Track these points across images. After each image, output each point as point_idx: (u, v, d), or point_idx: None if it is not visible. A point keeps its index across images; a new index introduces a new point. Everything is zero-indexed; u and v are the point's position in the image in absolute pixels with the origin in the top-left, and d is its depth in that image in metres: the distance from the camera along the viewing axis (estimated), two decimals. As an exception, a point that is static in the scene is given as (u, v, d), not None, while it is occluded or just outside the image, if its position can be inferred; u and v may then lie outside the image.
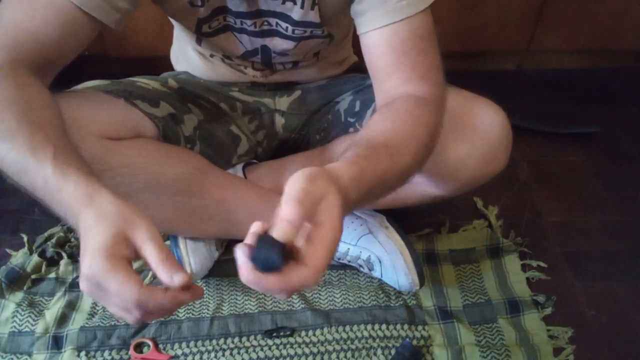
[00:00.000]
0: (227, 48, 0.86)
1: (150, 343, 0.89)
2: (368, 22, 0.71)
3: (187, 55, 0.97)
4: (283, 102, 0.98)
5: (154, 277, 0.99)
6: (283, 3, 0.76)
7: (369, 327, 0.92)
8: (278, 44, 0.84)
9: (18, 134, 0.55)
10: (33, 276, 0.98)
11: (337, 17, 0.81)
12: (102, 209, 0.51)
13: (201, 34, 0.83)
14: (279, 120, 1.00)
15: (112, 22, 0.68)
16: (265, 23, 0.80)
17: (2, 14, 0.64)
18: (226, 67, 0.94)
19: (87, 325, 0.91)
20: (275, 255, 0.45)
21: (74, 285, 0.98)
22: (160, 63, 1.09)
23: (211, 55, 0.92)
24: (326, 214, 0.48)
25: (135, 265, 1.00)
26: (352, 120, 0.92)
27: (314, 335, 0.91)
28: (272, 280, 0.46)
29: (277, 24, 0.80)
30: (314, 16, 0.78)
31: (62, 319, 0.92)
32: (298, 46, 0.84)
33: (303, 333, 0.92)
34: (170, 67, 1.05)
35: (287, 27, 0.80)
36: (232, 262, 1.06)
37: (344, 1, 0.74)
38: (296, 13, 0.77)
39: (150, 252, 0.49)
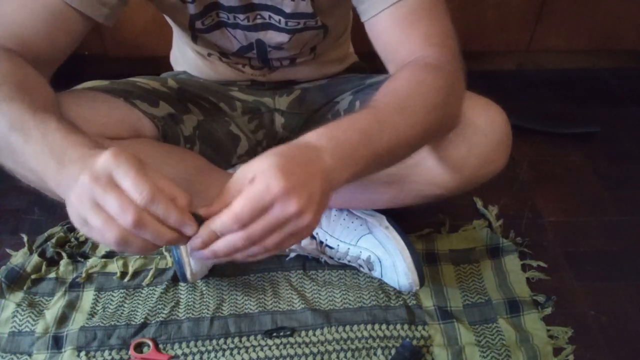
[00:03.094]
0: (222, 44, 0.86)
1: (150, 343, 0.89)
2: (371, 7, 0.71)
3: (186, 56, 0.97)
4: (283, 102, 0.98)
5: (153, 277, 0.99)
6: None
7: (369, 327, 0.92)
8: (272, 37, 0.84)
9: (15, 98, 0.56)
10: (33, 276, 0.98)
11: (332, 7, 0.80)
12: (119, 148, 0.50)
13: (195, 30, 0.83)
14: (279, 120, 1.00)
15: (101, 17, 0.67)
16: (259, 17, 0.80)
17: None
18: (225, 65, 0.94)
19: (87, 325, 0.91)
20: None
21: (74, 285, 0.98)
22: (160, 63, 1.09)
23: (209, 55, 0.92)
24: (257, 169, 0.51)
25: (136, 264, 1.00)
26: None
27: (314, 335, 0.91)
28: (197, 238, 0.51)
29: (270, 17, 0.80)
30: (305, 7, 0.78)
31: (62, 319, 0.92)
32: (293, 39, 0.84)
33: (303, 333, 0.92)
34: (170, 67, 1.05)
35: (280, 20, 0.80)
36: (232, 262, 1.06)
37: None
38: (287, 5, 0.77)
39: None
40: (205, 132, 0.90)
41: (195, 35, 0.86)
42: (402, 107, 0.62)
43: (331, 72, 1.00)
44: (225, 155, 0.95)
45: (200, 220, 0.51)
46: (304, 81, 0.99)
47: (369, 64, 1.07)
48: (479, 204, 1.15)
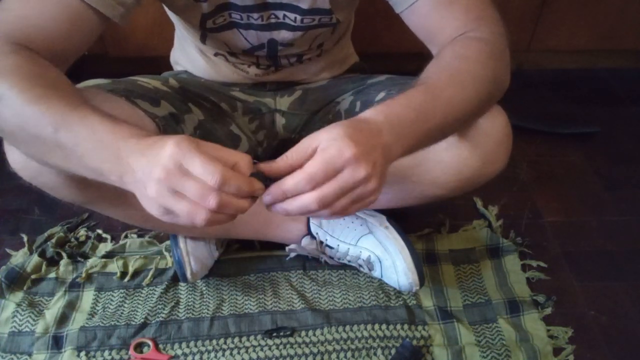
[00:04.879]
0: (233, 44, 0.86)
1: (150, 343, 0.89)
2: None
3: (189, 56, 0.97)
4: (284, 102, 0.98)
5: (153, 277, 0.99)
6: None
7: (369, 327, 0.92)
8: (285, 36, 0.84)
9: (52, 97, 0.57)
10: (33, 276, 0.98)
11: (349, 2, 0.81)
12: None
13: (205, 29, 0.83)
14: (280, 120, 1.00)
15: (117, 16, 0.68)
16: (272, 16, 0.80)
17: (10, 7, 0.64)
18: (229, 67, 0.93)
19: (87, 325, 0.91)
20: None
21: (74, 285, 0.98)
22: (160, 63, 1.09)
23: (215, 55, 0.92)
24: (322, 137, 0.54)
25: (136, 264, 1.00)
26: None
27: (314, 335, 0.91)
28: (271, 193, 0.54)
29: (284, 16, 0.80)
30: (322, 2, 0.78)
31: (62, 319, 0.92)
32: (305, 36, 0.84)
33: (303, 333, 0.92)
34: (170, 67, 1.05)
35: (295, 18, 0.80)
36: (232, 261, 1.07)
37: None
38: (305, 2, 0.77)
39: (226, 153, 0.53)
40: (206, 132, 0.90)
41: (204, 35, 0.86)
42: (454, 82, 0.64)
43: (334, 73, 1.00)
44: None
45: (263, 177, 0.55)
46: (306, 82, 0.99)
47: (369, 64, 1.07)
48: (479, 204, 1.15)
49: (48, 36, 0.64)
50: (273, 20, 0.81)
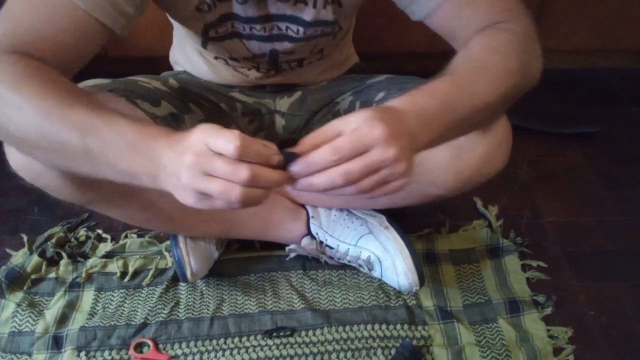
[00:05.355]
0: (234, 52, 0.86)
1: (150, 343, 0.89)
2: (425, 4, 0.71)
3: (188, 57, 0.97)
4: (283, 103, 0.98)
5: (153, 277, 0.99)
6: (294, 4, 0.76)
7: (369, 327, 0.92)
8: (287, 47, 0.84)
9: (72, 103, 0.57)
10: (33, 276, 0.98)
11: (352, 11, 0.80)
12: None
13: (208, 38, 0.83)
14: (279, 121, 1.00)
15: (118, 27, 0.68)
16: (275, 27, 0.80)
17: (14, 16, 0.63)
18: (229, 69, 0.93)
19: (87, 325, 0.91)
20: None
21: (74, 285, 0.98)
22: (160, 63, 1.09)
23: (215, 58, 0.92)
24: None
25: (136, 264, 1.00)
26: None
27: (314, 335, 0.91)
28: (298, 164, 0.53)
29: (287, 27, 0.80)
30: (326, 14, 0.78)
31: (62, 319, 0.92)
32: (307, 45, 0.84)
33: (303, 333, 0.92)
34: (170, 67, 1.05)
35: (297, 30, 0.80)
36: (232, 262, 1.07)
37: None
38: (308, 14, 0.77)
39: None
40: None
41: (206, 42, 0.86)
42: (480, 73, 0.63)
43: (334, 75, 1.00)
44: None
45: (294, 158, 0.54)
46: (306, 84, 0.99)
47: (369, 64, 1.07)
48: (479, 204, 1.15)
49: (55, 46, 0.64)
50: (275, 32, 0.81)
